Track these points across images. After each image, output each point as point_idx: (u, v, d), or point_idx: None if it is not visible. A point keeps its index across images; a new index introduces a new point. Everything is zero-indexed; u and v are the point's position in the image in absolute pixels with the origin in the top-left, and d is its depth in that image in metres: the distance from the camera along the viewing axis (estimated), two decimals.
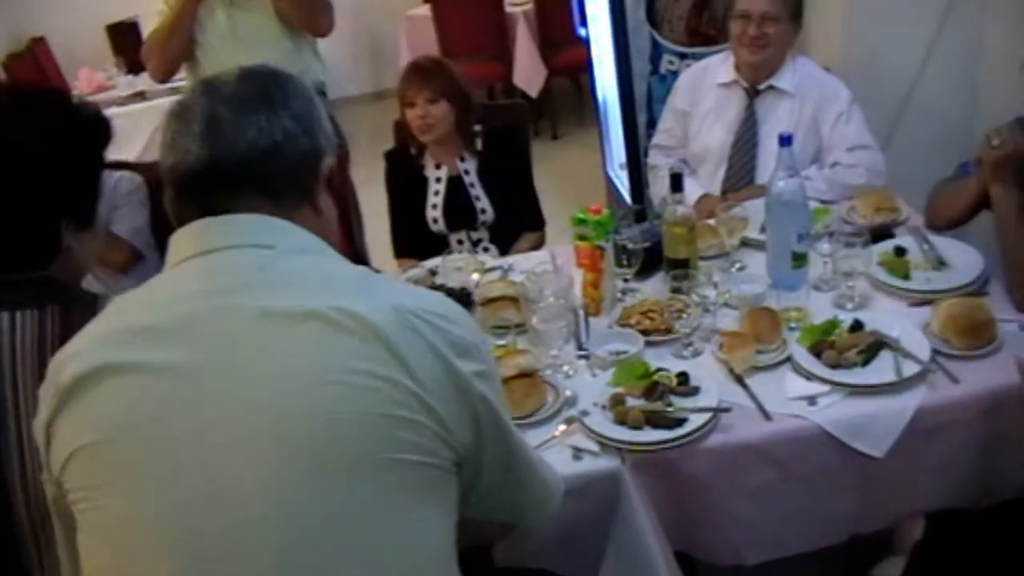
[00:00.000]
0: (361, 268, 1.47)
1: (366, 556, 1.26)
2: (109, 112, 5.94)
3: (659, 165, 3.49)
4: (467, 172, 3.42)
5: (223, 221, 1.36)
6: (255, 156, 1.38)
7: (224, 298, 1.30)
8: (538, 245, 3.47)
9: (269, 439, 1.23)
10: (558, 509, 1.69)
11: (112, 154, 5.06)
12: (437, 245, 3.41)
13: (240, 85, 1.41)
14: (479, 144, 3.42)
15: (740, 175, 3.27)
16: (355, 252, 3.90)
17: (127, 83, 6.42)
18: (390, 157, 3.56)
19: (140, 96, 6.25)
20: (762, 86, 3.21)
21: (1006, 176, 2.41)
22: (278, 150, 1.39)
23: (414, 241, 3.47)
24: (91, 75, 6.78)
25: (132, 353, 1.28)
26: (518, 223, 3.51)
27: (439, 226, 3.44)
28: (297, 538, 1.22)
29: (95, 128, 1.85)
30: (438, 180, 3.43)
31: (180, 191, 1.39)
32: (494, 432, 1.42)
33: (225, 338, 1.27)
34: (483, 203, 3.42)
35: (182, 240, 1.37)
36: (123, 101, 6.29)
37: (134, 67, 6.41)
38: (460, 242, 3.47)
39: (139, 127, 6.00)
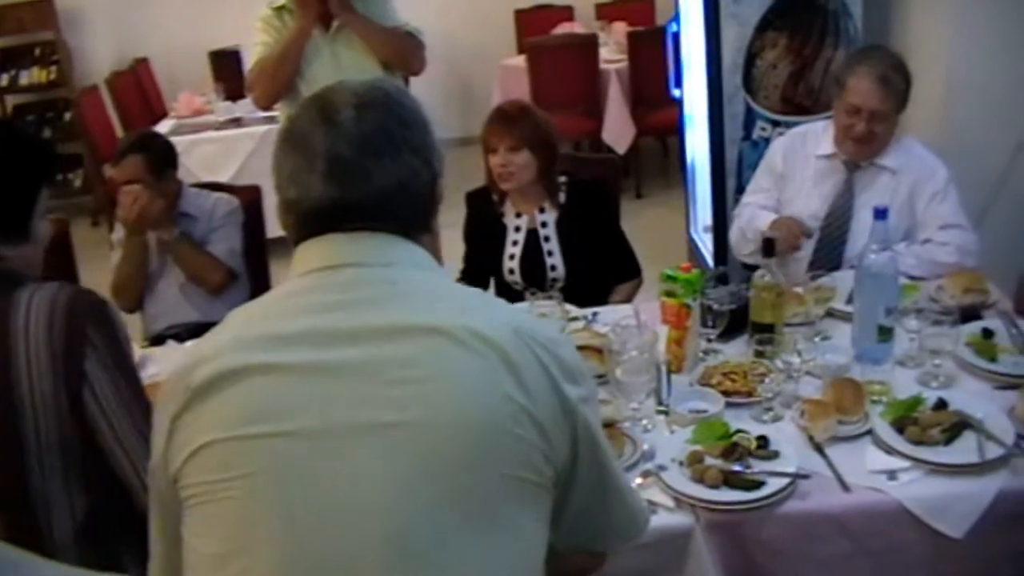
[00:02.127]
0: (476, 289, 1.57)
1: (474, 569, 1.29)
2: (206, 136, 6.20)
3: (746, 204, 3.48)
4: (544, 224, 3.37)
5: (353, 239, 1.40)
6: (381, 197, 1.41)
7: (353, 311, 1.35)
8: (631, 296, 3.43)
9: (400, 449, 1.28)
10: (640, 537, 1.68)
11: (207, 176, 5.27)
12: (510, 296, 3.39)
13: (360, 122, 1.42)
14: (562, 196, 3.36)
15: (831, 246, 3.26)
16: None
17: (225, 109, 6.58)
18: (471, 198, 3.52)
19: (236, 122, 6.41)
20: (864, 163, 3.20)
21: None
22: (403, 188, 1.43)
23: (483, 287, 3.43)
24: (191, 98, 6.97)
25: (266, 356, 1.33)
26: (604, 277, 3.45)
27: (515, 277, 3.41)
28: (413, 548, 1.26)
29: (31, 154, 2.04)
30: (517, 230, 3.40)
31: (304, 222, 1.42)
32: (591, 456, 1.44)
33: (354, 348, 1.32)
34: (555, 259, 3.37)
35: (311, 252, 1.41)
36: (220, 126, 6.46)
37: (232, 94, 6.58)
38: (533, 293, 3.42)
39: (234, 152, 6.18)
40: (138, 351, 3.11)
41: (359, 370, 1.31)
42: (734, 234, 3.46)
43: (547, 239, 3.37)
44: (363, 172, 1.39)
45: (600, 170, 3.78)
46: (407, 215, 1.45)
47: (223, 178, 5.70)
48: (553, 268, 3.37)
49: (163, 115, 7.16)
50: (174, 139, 5.94)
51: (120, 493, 1.91)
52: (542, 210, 3.38)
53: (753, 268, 2.91)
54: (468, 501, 1.29)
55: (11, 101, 8.05)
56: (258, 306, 1.45)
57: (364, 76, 3.72)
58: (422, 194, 1.47)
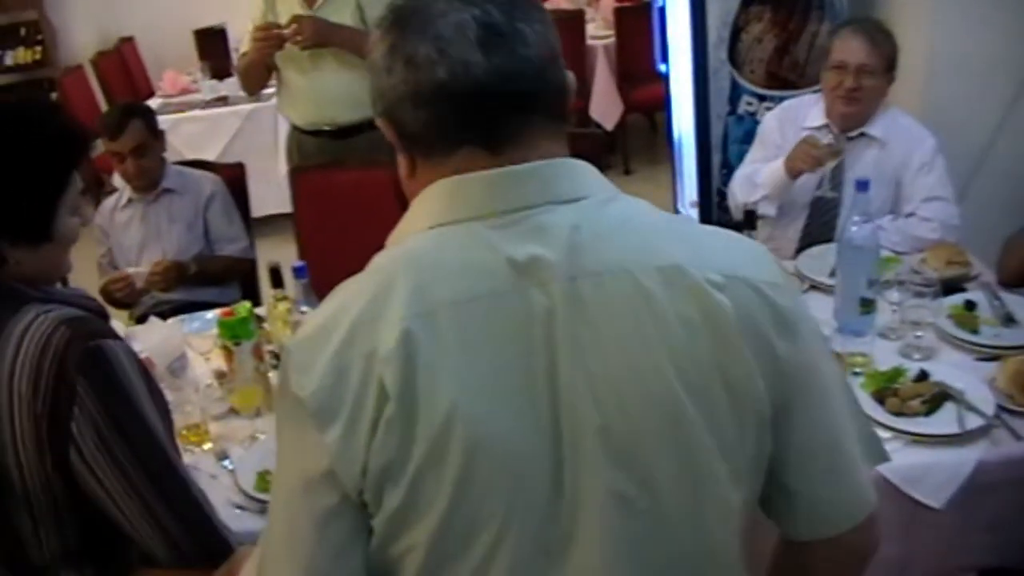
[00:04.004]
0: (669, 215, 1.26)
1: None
2: (192, 114, 6.17)
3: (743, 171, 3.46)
4: None
5: (522, 174, 1.15)
6: (544, 67, 1.17)
7: (538, 275, 1.11)
8: None
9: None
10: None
11: (193, 154, 5.26)
12: None
13: None
14: None
15: (823, 220, 3.26)
16: None
17: (210, 87, 6.53)
18: None
19: (222, 101, 6.37)
20: (853, 133, 3.20)
21: None
22: (556, 58, 1.20)
23: None
24: (176, 77, 6.93)
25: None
26: None
27: None
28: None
29: (58, 141, 1.74)
30: None
31: (459, 113, 1.15)
32: None
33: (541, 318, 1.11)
34: None
35: (472, 191, 1.16)
36: (206, 104, 6.41)
37: (218, 72, 6.54)
38: None
39: (219, 130, 6.17)
40: (123, 329, 3.11)
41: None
42: (736, 188, 3.41)
43: None
44: (519, 36, 1.15)
45: (584, 145, 3.78)
46: (563, 102, 1.22)
47: (209, 156, 5.67)
48: None
49: (149, 94, 7.13)
50: (160, 117, 5.96)
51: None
52: None
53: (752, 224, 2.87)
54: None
55: None
56: (427, 260, 1.14)
57: (344, 63, 3.80)
58: (560, 67, 1.22)
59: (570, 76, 1.23)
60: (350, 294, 1.15)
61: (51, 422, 1.61)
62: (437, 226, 1.16)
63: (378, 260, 1.19)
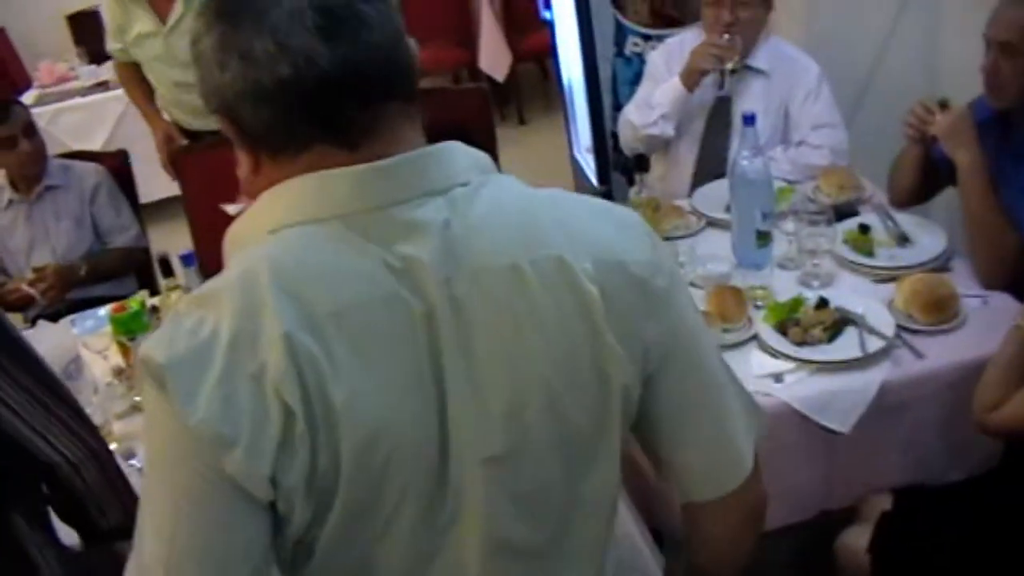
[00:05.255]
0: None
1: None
2: (72, 103, 5.98)
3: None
4: None
5: (388, 168, 1.10)
6: (392, 49, 1.11)
7: (413, 280, 1.09)
8: None
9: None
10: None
11: (77, 144, 5.12)
12: None
13: None
14: None
15: (714, 155, 3.26)
16: None
17: (89, 73, 6.33)
18: None
19: (102, 86, 6.17)
20: (736, 67, 3.20)
21: (967, 139, 2.41)
22: (401, 34, 1.13)
23: None
24: (52, 67, 6.70)
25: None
26: None
27: None
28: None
29: None
30: None
31: (307, 110, 1.08)
32: None
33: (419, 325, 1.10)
34: None
35: (336, 187, 1.09)
36: (86, 91, 6.21)
37: (96, 57, 6.34)
38: None
39: (102, 117, 5.97)
40: None
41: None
42: (630, 115, 3.35)
43: None
44: (362, 20, 1.08)
45: (471, 100, 3.72)
46: (409, 71, 1.14)
47: (95, 145, 5.54)
48: None
49: (26, 86, 6.88)
50: (39, 109, 5.82)
51: (13, 454, 1.81)
52: None
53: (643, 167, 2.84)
54: None
55: None
56: (298, 265, 1.08)
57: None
58: (405, 43, 1.15)
59: (413, 45, 1.16)
60: (220, 309, 1.07)
61: None
62: (296, 224, 1.10)
63: (238, 266, 1.10)
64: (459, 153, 1.17)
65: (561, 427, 1.17)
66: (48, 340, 2.69)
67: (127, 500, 1.79)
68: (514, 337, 1.12)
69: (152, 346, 1.07)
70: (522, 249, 1.13)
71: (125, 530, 1.70)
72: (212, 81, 1.11)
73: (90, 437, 1.73)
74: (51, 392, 1.69)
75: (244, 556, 1.09)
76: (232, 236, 1.16)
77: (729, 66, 3.11)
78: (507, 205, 1.16)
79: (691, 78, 3.14)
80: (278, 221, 1.11)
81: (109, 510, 1.78)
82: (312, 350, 1.04)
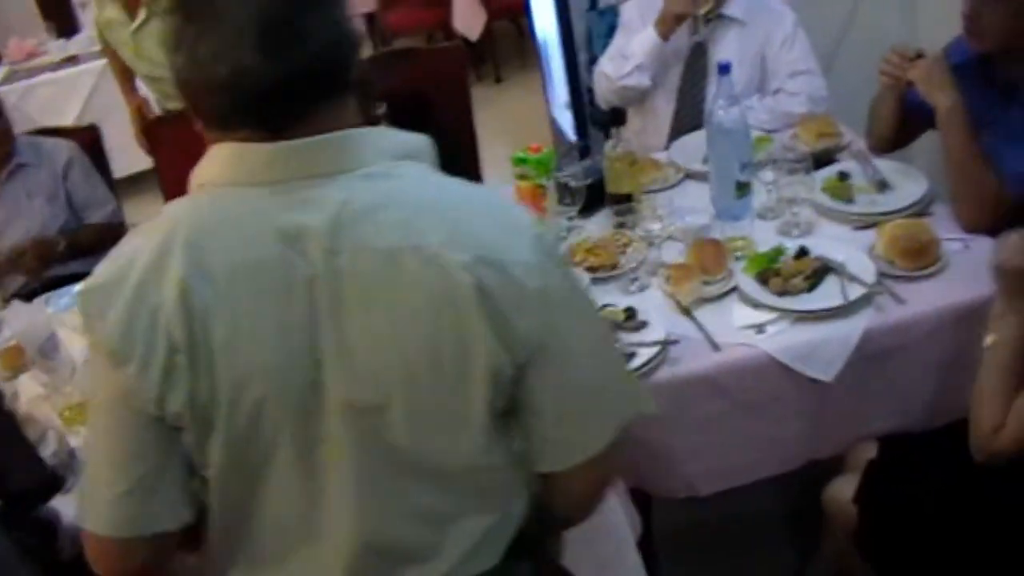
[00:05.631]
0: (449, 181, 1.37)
1: None
2: (43, 78, 5.91)
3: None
4: None
5: (299, 148, 1.25)
6: (321, 58, 1.23)
7: (302, 246, 1.25)
8: None
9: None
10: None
11: (50, 120, 5.07)
12: None
13: None
14: (384, 125, 3.14)
15: (691, 105, 3.23)
16: None
17: (58, 48, 6.25)
18: None
19: (72, 60, 6.09)
20: (711, 15, 3.16)
21: (944, 83, 2.38)
22: (336, 41, 1.26)
23: None
24: (20, 44, 6.59)
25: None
26: None
27: None
28: None
29: None
30: None
31: (239, 108, 1.23)
32: None
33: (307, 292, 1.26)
34: None
35: (251, 159, 1.26)
36: (56, 66, 6.12)
37: (64, 31, 6.27)
38: None
39: (73, 91, 5.88)
40: None
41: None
42: (605, 67, 3.32)
43: None
44: (294, 29, 1.21)
45: (445, 60, 3.67)
46: (343, 73, 1.29)
47: (67, 120, 5.46)
48: None
49: None
50: (8, 87, 5.75)
51: None
52: None
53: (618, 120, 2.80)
54: None
55: None
56: (205, 224, 1.27)
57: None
58: (349, 40, 1.29)
59: (355, 32, 1.31)
60: (139, 246, 1.28)
61: None
62: (222, 184, 1.28)
63: (167, 211, 1.32)
64: (378, 138, 1.32)
65: (421, 397, 1.30)
66: (23, 319, 2.68)
67: (32, 464, 1.87)
68: (384, 312, 1.26)
69: (88, 278, 1.31)
70: (405, 236, 1.25)
71: (39, 492, 1.81)
72: (168, 54, 1.26)
73: None
74: None
75: (140, 457, 1.32)
76: (190, 182, 1.33)
77: (703, 11, 3.07)
78: (405, 193, 1.30)
79: (666, 24, 3.11)
80: (204, 178, 1.30)
81: (9, 473, 1.84)
82: (202, 297, 1.23)
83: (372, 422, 1.31)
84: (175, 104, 3.80)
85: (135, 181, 5.03)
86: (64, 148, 3.60)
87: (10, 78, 6.06)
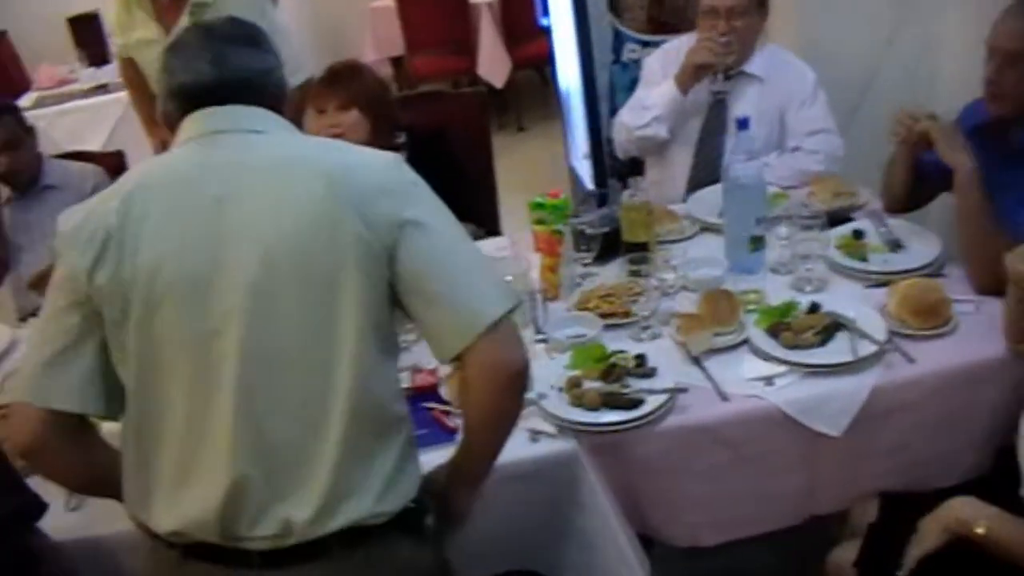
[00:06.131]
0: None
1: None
2: (72, 105, 5.97)
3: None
4: None
5: (229, 110, 1.72)
6: (253, 76, 1.75)
7: (221, 159, 1.69)
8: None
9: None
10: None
11: (76, 146, 5.12)
12: None
13: (234, 27, 1.81)
14: (403, 155, 3.22)
15: (709, 160, 3.26)
16: None
17: (89, 76, 6.33)
18: None
19: (103, 88, 6.17)
20: (733, 72, 3.20)
21: (962, 144, 2.41)
22: (268, 73, 1.79)
23: None
24: (51, 70, 6.68)
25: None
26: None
27: None
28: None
29: None
30: None
31: (189, 102, 1.73)
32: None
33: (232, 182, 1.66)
34: None
35: (194, 123, 1.72)
36: (86, 94, 6.20)
37: (96, 60, 6.35)
38: None
39: (102, 119, 5.93)
40: (8, 331, 3.02)
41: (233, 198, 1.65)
42: (624, 117, 3.36)
43: None
44: (239, 57, 1.75)
45: (467, 105, 3.72)
46: (270, 95, 1.78)
47: (94, 146, 5.47)
48: None
49: (25, 88, 6.88)
50: (38, 112, 5.81)
51: None
52: None
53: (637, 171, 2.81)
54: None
55: None
56: (155, 161, 1.83)
57: None
58: (280, 83, 1.83)
59: (285, 79, 1.86)
60: (117, 184, 1.75)
61: None
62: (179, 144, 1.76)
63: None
64: (272, 116, 1.77)
65: (305, 270, 1.61)
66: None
67: (13, 489, 1.91)
68: (274, 205, 1.63)
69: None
70: (294, 161, 1.70)
71: (20, 518, 1.87)
72: (159, 77, 1.79)
73: None
74: None
75: (62, 333, 1.67)
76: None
77: (723, 66, 3.12)
78: (290, 141, 1.78)
79: (685, 75, 3.14)
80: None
81: None
82: (139, 203, 1.64)
83: (260, 298, 1.60)
84: None
85: None
86: (91, 173, 3.65)
87: (40, 103, 6.14)
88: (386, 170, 1.73)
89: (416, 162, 3.15)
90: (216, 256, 1.61)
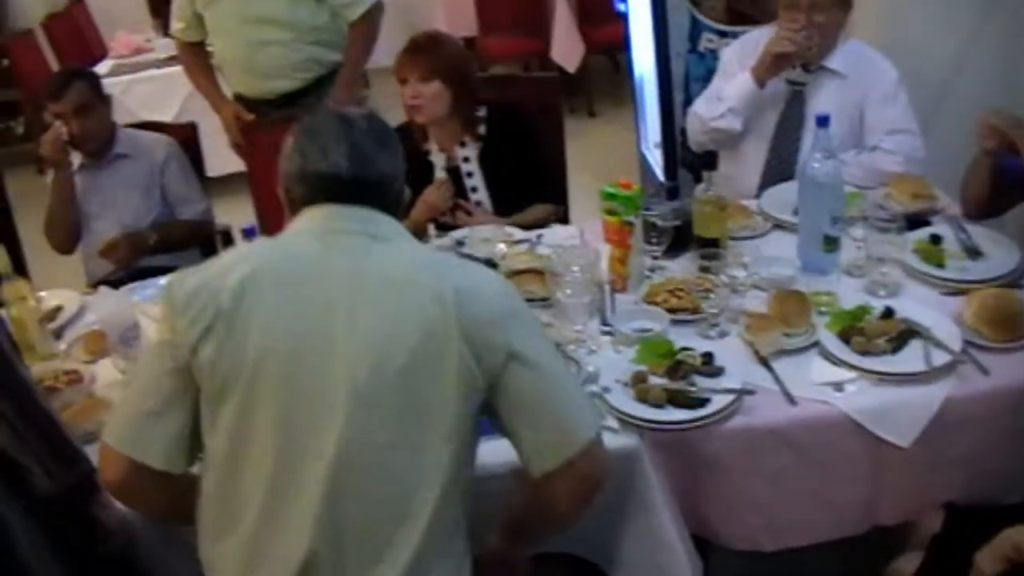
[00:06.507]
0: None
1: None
2: (146, 74, 6.04)
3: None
4: (466, 160, 3.28)
5: (356, 212, 1.77)
6: (383, 179, 1.81)
7: (342, 263, 1.73)
8: (549, 217, 3.31)
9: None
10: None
11: (148, 115, 5.18)
12: (441, 226, 3.34)
13: (371, 127, 1.83)
14: (483, 128, 3.26)
15: (784, 156, 3.21)
16: None
17: (164, 45, 6.37)
18: (397, 134, 3.43)
19: (177, 59, 6.20)
20: (813, 67, 3.14)
21: None
22: (394, 177, 1.85)
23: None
24: (128, 37, 6.77)
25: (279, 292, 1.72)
26: (529, 205, 3.34)
27: (445, 217, 3.30)
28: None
29: None
30: (441, 168, 3.30)
31: (320, 191, 1.77)
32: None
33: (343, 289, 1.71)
34: (480, 195, 3.29)
35: (321, 217, 1.77)
36: (160, 63, 6.27)
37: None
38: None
39: (175, 90, 5.99)
40: (78, 297, 3.05)
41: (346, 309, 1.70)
42: (699, 108, 3.33)
43: (470, 175, 3.29)
44: (373, 158, 1.80)
45: (540, 89, 3.69)
46: (391, 200, 1.85)
47: (166, 116, 5.58)
48: (478, 204, 3.29)
49: (102, 56, 6.95)
50: (113, 79, 5.88)
51: None
52: (463, 144, 3.27)
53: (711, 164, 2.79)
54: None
55: None
56: (279, 244, 1.82)
57: (274, 29, 3.78)
58: (401, 188, 1.89)
59: (406, 191, 1.94)
60: (223, 260, 1.80)
61: None
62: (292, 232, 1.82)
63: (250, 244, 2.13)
64: (393, 223, 1.83)
65: (409, 384, 1.67)
66: (108, 305, 2.74)
67: (53, 466, 1.87)
68: (388, 318, 1.68)
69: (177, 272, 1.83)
70: (414, 275, 1.73)
71: (79, 492, 1.85)
72: (285, 161, 1.82)
73: (8, 401, 1.83)
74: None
75: (156, 392, 1.75)
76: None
77: (801, 59, 3.06)
78: (408, 252, 1.82)
79: (763, 66, 3.10)
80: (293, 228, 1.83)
81: (31, 473, 1.85)
82: (254, 291, 1.68)
83: (363, 402, 1.65)
84: (272, 86, 4.00)
85: (226, 182, 5.10)
86: (163, 143, 3.68)
87: (115, 71, 6.21)
88: (497, 298, 1.77)
89: (495, 138, 3.20)
90: (324, 360, 1.67)
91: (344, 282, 1.70)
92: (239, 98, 4.14)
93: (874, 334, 2.21)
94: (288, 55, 3.86)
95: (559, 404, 1.74)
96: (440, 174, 3.28)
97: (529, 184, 3.30)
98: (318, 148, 1.78)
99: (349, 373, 1.65)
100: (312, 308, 1.69)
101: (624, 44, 5.20)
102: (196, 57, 4.20)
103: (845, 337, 2.23)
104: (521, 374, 1.72)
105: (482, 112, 3.24)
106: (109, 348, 2.60)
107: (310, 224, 1.77)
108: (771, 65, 3.09)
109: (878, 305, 2.33)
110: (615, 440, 2.06)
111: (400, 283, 1.71)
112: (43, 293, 3.02)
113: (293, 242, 1.79)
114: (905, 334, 2.21)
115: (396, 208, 1.87)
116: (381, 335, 1.67)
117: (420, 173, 3.27)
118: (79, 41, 7.29)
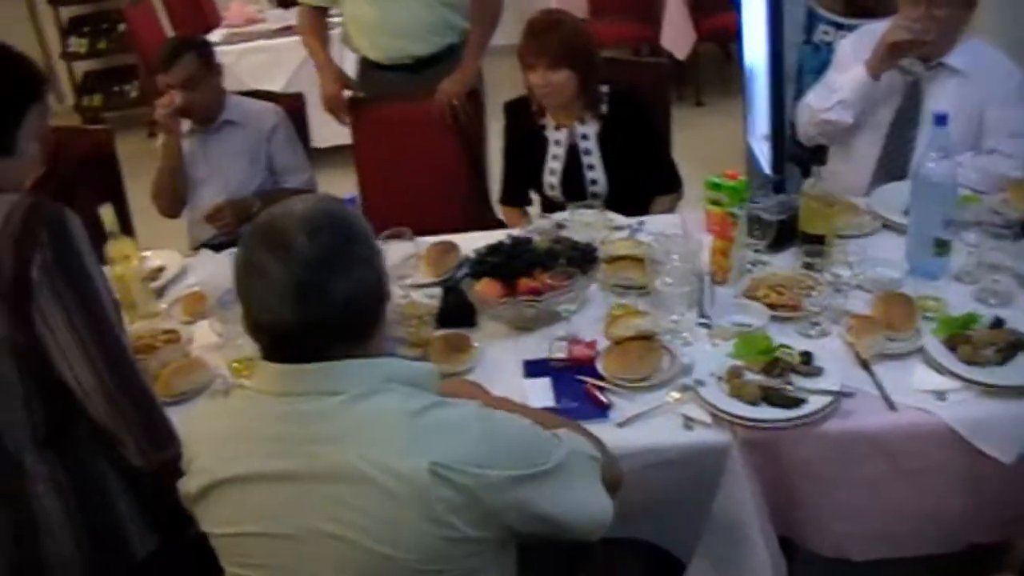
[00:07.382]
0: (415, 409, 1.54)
1: None
2: (257, 44, 6.11)
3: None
4: (585, 137, 3.28)
5: (307, 373, 1.54)
6: (339, 310, 1.52)
7: (288, 446, 1.54)
8: (671, 209, 3.33)
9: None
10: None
11: (257, 84, 5.23)
12: (549, 204, 3.39)
13: (312, 246, 1.51)
14: (604, 107, 3.27)
15: (898, 154, 3.12)
16: (481, 192, 3.90)
17: (276, 17, 6.49)
18: (510, 109, 3.46)
19: (288, 30, 6.28)
20: (932, 63, 3.05)
21: None
22: (356, 298, 1.54)
23: (523, 201, 3.54)
24: (241, 8, 6.87)
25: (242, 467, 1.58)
26: (644, 189, 3.35)
27: (555, 192, 3.35)
28: None
29: (16, 72, 1.99)
30: (557, 143, 3.32)
31: (275, 345, 1.56)
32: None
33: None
34: (596, 173, 3.29)
35: (273, 378, 1.58)
36: (272, 35, 6.36)
37: (285, 1, 6.47)
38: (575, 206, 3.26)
39: (284, 61, 6.10)
40: (180, 259, 3.10)
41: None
42: (810, 99, 3.27)
43: (588, 152, 3.29)
44: (322, 291, 1.51)
45: (649, 75, 3.65)
46: (364, 324, 1.58)
47: (275, 87, 5.64)
48: (594, 182, 3.29)
49: (215, 24, 7.07)
50: (225, 48, 5.98)
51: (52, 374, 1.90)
52: (582, 121, 3.28)
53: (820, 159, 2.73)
54: None
55: (65, 14, 7.97)
56: (230, 424, 1.66)
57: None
58: (373, 296, 1.58)
59: (392, 294, 1.70)
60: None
61: (15, 274, 1.79)
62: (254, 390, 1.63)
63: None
64: (354, 369, 1.56)
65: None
66: (207, 269, 2.79)
67: (147, 444, 1.93)
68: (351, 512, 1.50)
69: None
70: (369, 447, 1.49)
71: (164, 476, 1.83)
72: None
73: (109, 373, 1.87)
74: (96, 331, 1.86)
75: None
76: None
77: (919, 51, 2.97)
78: (367, 412, 1.53)
79: (877, 56, 3.01)
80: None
81: (125, 447, 1.92)
82: (218, 464, 1.61)
83: None
84: (408, 49, 3.95)
85: (331, 153, 5.15)
86: (271, 112, 3.72)
87: (227, 40, 6.30)
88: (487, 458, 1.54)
89: (615, 118, 3.21)
90: (296, 538, 1.55)
91: (299, 451, 1.53)
92: (367, 64, 4.12)
93: (982, 343, 2.14)
94: (423, 14, 3.85)
95: (574, 512, 1.64)
96: (556, 150, 3.29)
97: (646, 168, 3.31)
98: (258, 296, 1.52)
99: (326, 553, 1.54)
100: (272, 486, 1.56)
101: (736, 33, 5.13)
102: (317, 20, 4.18)
103: (951, 345, 2.16)
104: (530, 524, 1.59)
105: (605, 89, 3.24)
106: (207, 310, 2.64)
107: (265, 384, 1.60)
108: (885, 55, 3.00)
109: (988, 314, 2.26)
110: (706, 434, 2.05)
111: (358, 467, 1.50)
112: (147, 253, 3.08)
113: (252, 409, 1.62)
114: (1015, 345, 2.14)
115: (374, 319, 1.60)
116: (345, 511, 1.52)
117: (534, 147, 3.33)
118: (194, 9, 7.41)
